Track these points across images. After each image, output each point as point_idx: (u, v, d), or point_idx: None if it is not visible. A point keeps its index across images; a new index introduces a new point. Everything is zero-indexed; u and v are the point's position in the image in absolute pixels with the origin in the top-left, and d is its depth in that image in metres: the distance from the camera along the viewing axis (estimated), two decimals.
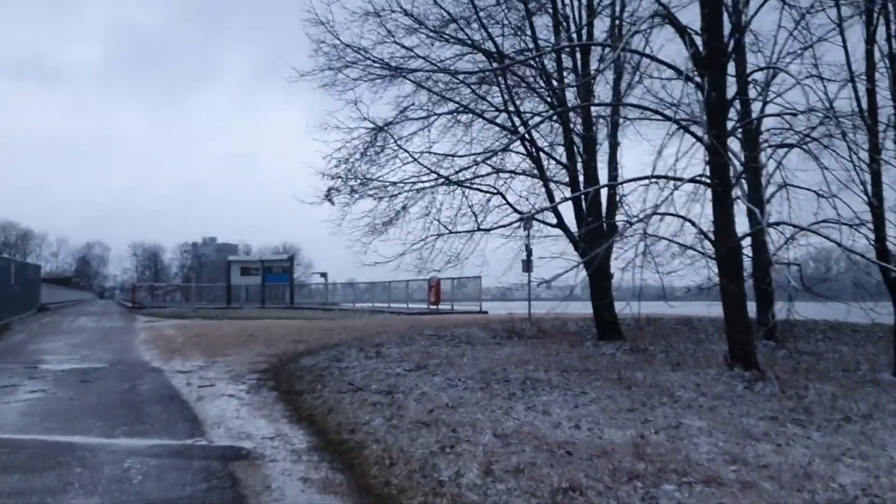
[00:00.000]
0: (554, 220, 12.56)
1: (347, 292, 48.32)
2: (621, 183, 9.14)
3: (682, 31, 9.35)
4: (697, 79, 10.10)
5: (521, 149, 12.75)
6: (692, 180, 9.69)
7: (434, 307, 27.00)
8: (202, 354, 12.14)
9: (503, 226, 11.75)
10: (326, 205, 12.30)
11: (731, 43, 9.94)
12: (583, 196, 12.70)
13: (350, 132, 12.16)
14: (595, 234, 12.40)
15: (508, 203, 12.37)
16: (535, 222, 13.33)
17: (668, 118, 10.38)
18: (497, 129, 13.20)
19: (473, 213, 11.62)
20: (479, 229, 10.81)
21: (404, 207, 12.22)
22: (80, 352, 12.99)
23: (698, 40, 9.52)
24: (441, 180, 11.85)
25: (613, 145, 12.80)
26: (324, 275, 50.57)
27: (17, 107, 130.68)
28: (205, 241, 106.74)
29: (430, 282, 26.17)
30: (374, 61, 11.05)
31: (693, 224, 9.64)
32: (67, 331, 19.31)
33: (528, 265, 15.33)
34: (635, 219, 8.81)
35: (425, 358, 10.54)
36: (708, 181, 9.98)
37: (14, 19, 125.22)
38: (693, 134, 10.10)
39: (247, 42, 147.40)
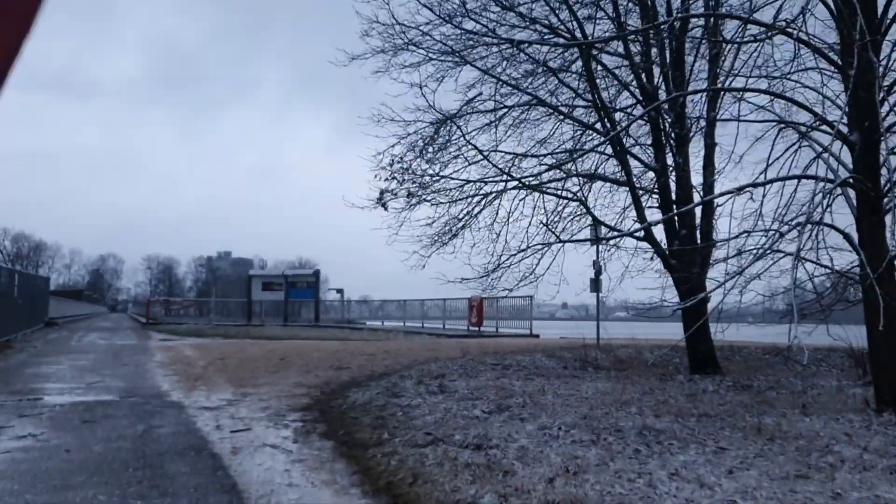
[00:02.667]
0: (640, 233, 10.69)
1: (363, 309, 46.86)
2: (753, 185, 7.27)
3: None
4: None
5: (603, 148, 10.93)
6: (844, 183, 7.83)
7: (476, 329, 24.92)
8: (229, 383, 10.31)
9: (609, 239, 9.84)
10: (378, 211, 10.49)
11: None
12: (674, 206, 10.90)
13: (406, 126, 10.41)
14: (689, 251, 10.56)
15: (589, 212, 10.50)
16: (610, 233, 11.45)
17: (806, 108, 8.56)
18: (572, 128, 11.38)
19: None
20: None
21: (468, 214, 10.41)
22: (87, 378, 11.17)
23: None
24: (514, 183, 9.99)
25: (710, 146, 10.98)
26: (340, 291, 49.20)
27: (47, 121, 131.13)
28: (220, 255, 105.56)
29: (472, 300, 24.09)
30: (455, 26, 9.25)
31: (846, 237, 7.78)
32: (74, 350, 17.50)
33: (596, 285, 13.48)
34: (785, 226, 6.94)
35: (502, 395, 8.69)
36: (849, 184, 8.18)
37: (51, 33, 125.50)
38: (830, 124, 8.28)
39: (282, 60, 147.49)
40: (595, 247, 12.60)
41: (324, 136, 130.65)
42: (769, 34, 7.39)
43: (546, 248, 9.85)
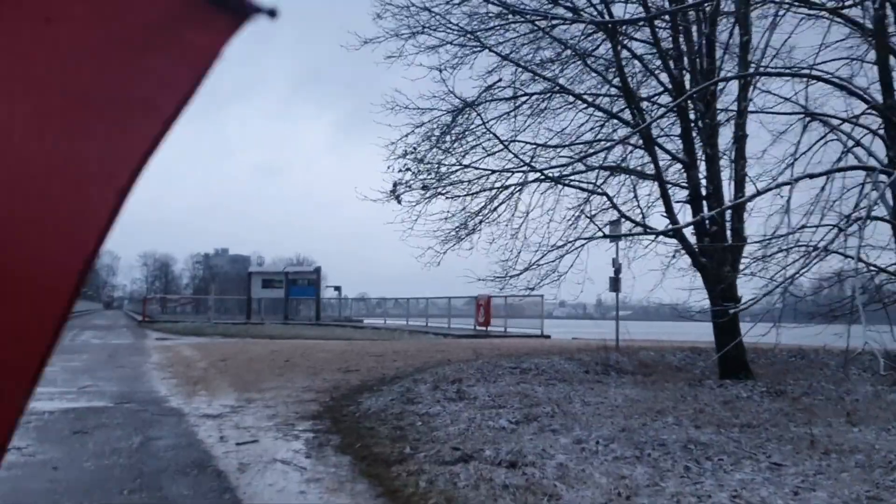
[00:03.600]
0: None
1: (360, 306, 46.36)
2: (810, 176, 6.67)
3: None
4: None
5: (628, 139, 10.31)
6: None
7: (483, 328, 24.31)
8: (232, 387, 9.69)
9: (658, 234, 9.12)
10: (389, 206, 9.85)
11: None
12: (703, 200, 10.32)
13: (421, 114, 9.79)
14: (720, 249, 9.98)
15: (615, 206, 9.87)
16: (628, 226, 10.84)
17: (858, 95, 7.97)
18: (593, 117, 10.76)
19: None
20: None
21: (487, 207, 9.78)
22: (79, 381, 10.51)
23: None
24: (536, 175, 9.36)
25: (741, 138, 10.38)
26: (338, 288, 48.59)
27: None
28: (217, 252, 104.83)
29: (479, 299, 23.44)
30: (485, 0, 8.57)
31: None
32: (66, 350, 16.76)
33: (616, 284, 12.87)
34: (844, 221, 6.34)
35: (527, 403, 8.08)
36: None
37: None
38: (886, 113, 7.70)
39: (286, 58, 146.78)
40: (615, 244, 11.97)
41: (324, 134, 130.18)
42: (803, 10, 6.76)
43: (573, 245, 9.23)
